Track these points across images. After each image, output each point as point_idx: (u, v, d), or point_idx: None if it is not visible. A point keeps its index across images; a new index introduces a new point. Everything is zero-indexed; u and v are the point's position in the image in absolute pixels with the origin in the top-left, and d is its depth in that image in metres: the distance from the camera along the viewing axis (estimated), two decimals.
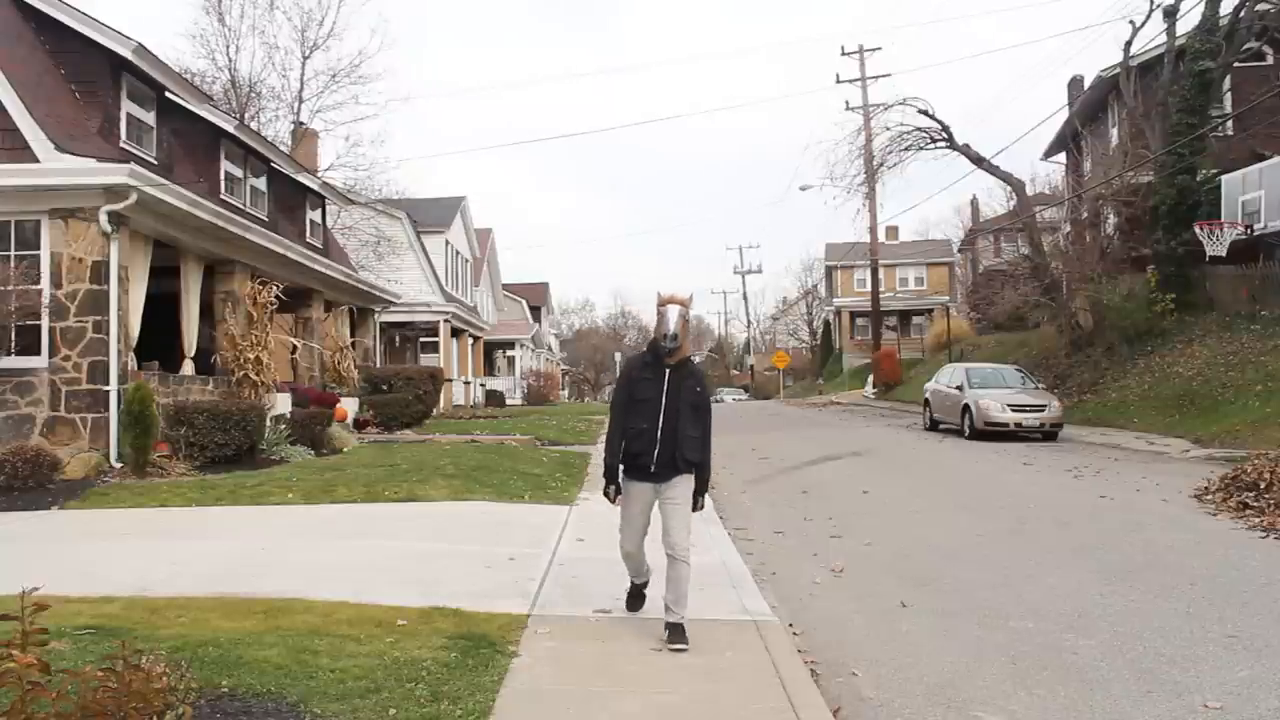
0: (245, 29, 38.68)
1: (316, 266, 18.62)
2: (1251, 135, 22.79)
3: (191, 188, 13.74)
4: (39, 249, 11.90)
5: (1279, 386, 17.15)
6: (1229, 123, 23.73)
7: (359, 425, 19.82)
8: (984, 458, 15.84)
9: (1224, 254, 21.01)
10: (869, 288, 41.99)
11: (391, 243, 29.85)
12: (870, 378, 41.74)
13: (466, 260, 39.22)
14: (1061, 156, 32.55)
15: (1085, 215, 27.12)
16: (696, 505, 5.36)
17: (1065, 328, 26.26)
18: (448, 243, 35.05)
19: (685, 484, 5.29)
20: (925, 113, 27.92)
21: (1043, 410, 18.91)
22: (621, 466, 5.34)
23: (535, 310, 56.18)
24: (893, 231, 56.83)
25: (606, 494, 5.42)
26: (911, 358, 45.23)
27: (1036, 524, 9.40)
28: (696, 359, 6.25)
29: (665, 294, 5.33)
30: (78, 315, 11.80)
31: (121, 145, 13.36)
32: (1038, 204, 30.11)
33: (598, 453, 15.69)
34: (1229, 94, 23.78)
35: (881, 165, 30.21)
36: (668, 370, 5.27)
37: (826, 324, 65.42)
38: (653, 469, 5.22)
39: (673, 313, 5.24)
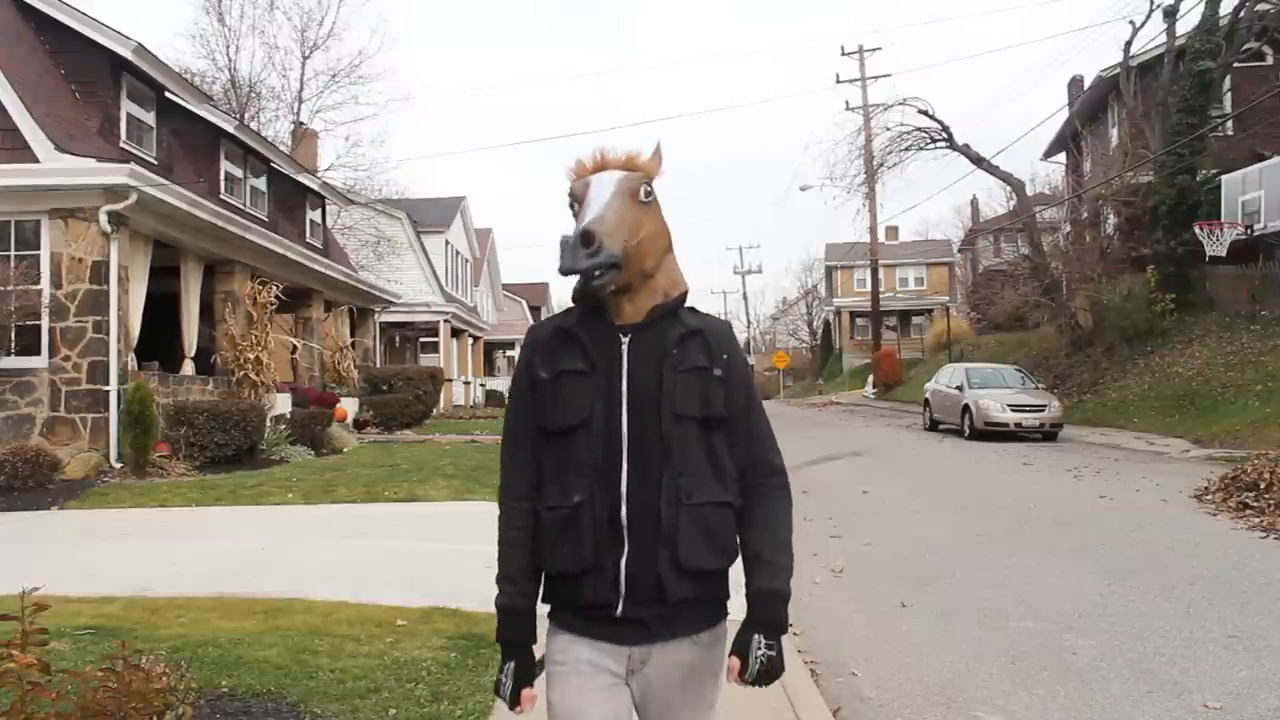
0: (245, 29, 38.88)
1: (316, 266, 18.62)
2: (1251, 135, 22.79)
3: (191, 188, 13.75)
4: (39, 249, 11.91)
5: (1279, 386, 17.15)
6: (1229, 123, 23.74)
7: (359, 425, 19.83)
8: (984, 458, 15.84)
9: (1224, 254, 21.03)
10: (869, 288, 41.99)
11: (391, 243, 29.88)
12: (870, 378, 41.76)
13: (466, 260, 39.22)
14: (1061, 156, 32.58)
15: (1085, 215, 27.14)
16: (759, 671, 2.08)
17: (1065, 328, 26.27)
18: (448, 243, 35.05)
19: (705, 646, 2.15)
20: (925, 113, 27.98)
21: (1043, 410, 18.91)
22: (547, 608, 2.18)
23: (535, 310, 56.14)
24: (893, 231, 56.86)
25: (499, 691, 2.15)
26: (911, 358, 45.25)
27: (1036, 524, 9.40)
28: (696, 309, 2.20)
29: (587, 157, 2.10)
30: (78, 315, 11.80)
31: (121, 145, 13.36)
32: (1038, 204, 30.13)
33: None
34: (1229, 94, 23.78)
35: (881, 165, 30.27)
36: (624, 340, 2.03)
37: (826, 324, 65.45)
38: (619, 610, 2.02)
39: (603, 185, 2.01)
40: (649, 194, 2.06)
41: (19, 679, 2.68)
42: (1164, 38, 24.16)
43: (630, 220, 1.98)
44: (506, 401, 2.18)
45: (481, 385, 38.85)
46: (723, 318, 2.17)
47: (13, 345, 11.70)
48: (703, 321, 2.12)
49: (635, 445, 2.00)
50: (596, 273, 1.92)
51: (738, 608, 2.09)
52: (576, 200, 2.05)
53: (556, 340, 2.09)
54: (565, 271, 1.90)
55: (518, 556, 2.14)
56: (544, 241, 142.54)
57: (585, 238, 1.89)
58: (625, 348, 2.04)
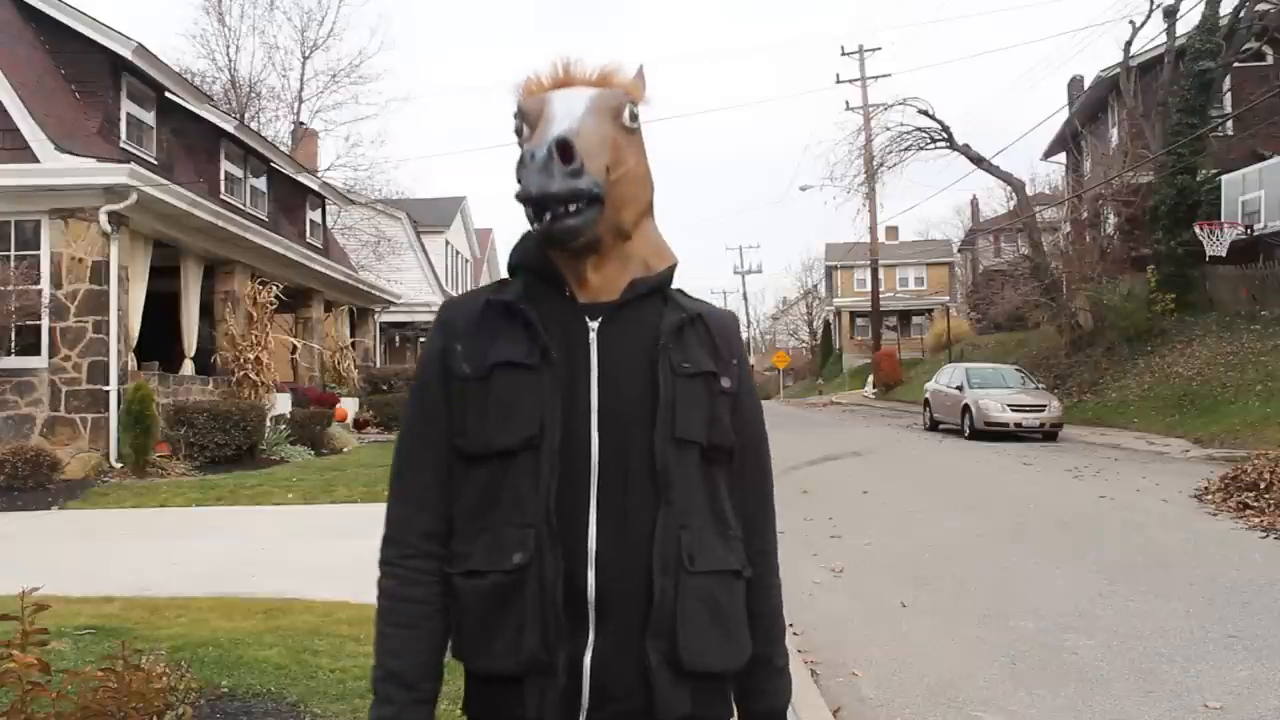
0: (245, 29, 38.93)
1: (316, 266, 18.63)
2: (1251, 135, 22.80)
3: (191, 188, 13.75)
4: (39, 249, 11.92)
5: (1279, 386, 17.15)
6: (1229, 123, 23.74)
7: (359, 425, 19.84)
8: (984, 458, 15.83)
9: (1224, 254, 21.04)
10: (869, 288, 41.97)
11: (391, 243, 29.88)
12: (870, 378, 41.76)
13: (466, 260, 39.23)
14: (1061, 156, 32.59)
15: (1085, 215, 27.16)
16: None
17: (1065, 328, 26.29)
18: (448, 243, 35.06)
19: None
20: (925, 113, 28.00)
21: (1043, 410, 18.90)
22: None
23: None
24: (893, 231, 56.80)
25: None
26: (911, 358, 45.25)
27: (1036, 524, 9.40)
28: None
29: (544, 72, 1.43)
30: (78, 315, 11.81)
31: (121, 145, 13.37)
32: (1038, 204, 30.15)
33: None
34: (1229, 94, 23.79)
35: (881, 165, 30.30)
36: (593, 325, 1.37)
37: (826, 324, 65.41)
38: None
39: (572, 98, 1.35)
40: (635, 118, 1.40)
41: (19, 679, 2.68)
42: (1164, 38, 24.17)
43: (611, 145, 1.33)
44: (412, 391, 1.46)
45: None
46: (726, 307, 1.59)
47: (13, 345, 11.71)
48: (703, 308, 1.47)
49: (610, 480, 1.31)
50: (572, 206, 1.25)
51: None
52: (529, 120, 1.37)
53: (489, 318, 1.39)
54: (534, 197, 1.24)
55: (409, 644, 1.36)
56: None
57: (563, 149, 1.23)
58: (594, 335, 1.36)
